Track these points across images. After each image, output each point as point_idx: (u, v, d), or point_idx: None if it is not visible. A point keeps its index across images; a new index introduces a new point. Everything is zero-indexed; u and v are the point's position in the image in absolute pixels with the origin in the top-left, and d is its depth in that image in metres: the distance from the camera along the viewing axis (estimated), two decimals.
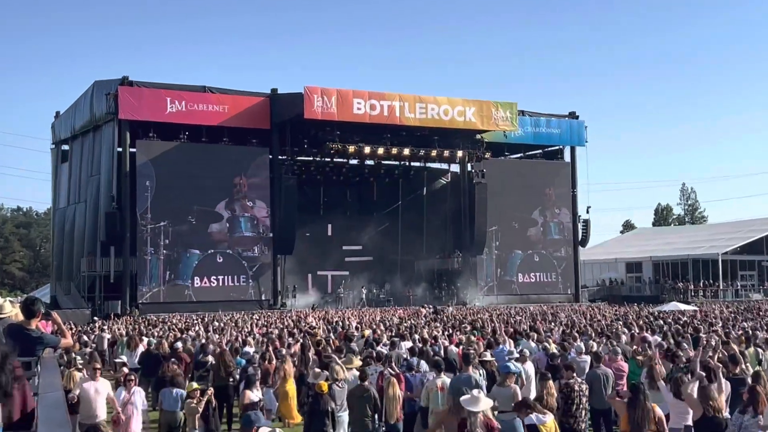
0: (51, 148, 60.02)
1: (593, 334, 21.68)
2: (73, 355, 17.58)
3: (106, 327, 31.92)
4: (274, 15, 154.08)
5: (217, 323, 31.64)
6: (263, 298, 50.56)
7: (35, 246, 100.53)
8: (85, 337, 25.57)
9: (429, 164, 60.87)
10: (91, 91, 52.11)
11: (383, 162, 58.24)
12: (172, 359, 17.39)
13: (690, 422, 11.47)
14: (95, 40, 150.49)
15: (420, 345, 18.05)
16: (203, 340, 21.77)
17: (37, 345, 7.82)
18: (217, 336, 23.86)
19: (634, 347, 17.51)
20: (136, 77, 48.57)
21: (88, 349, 20.17)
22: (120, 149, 48.10)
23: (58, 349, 9.70)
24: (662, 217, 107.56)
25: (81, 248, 51.97)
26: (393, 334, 22.90)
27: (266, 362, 16.96)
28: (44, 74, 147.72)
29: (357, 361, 15.20)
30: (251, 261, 50.67)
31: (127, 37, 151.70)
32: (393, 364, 15.09)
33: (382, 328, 25.84)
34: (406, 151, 52.86)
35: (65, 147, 57.85)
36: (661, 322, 27.35)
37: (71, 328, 29.25)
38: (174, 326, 30.38)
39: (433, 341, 19.51)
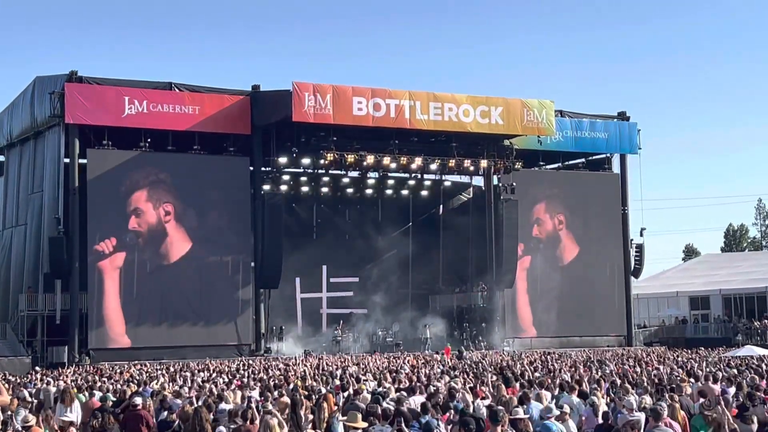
0: None
1: (650, 386, 21.59)
2: (10, 413, 17.52)
3: (51, 379, 31.85)
4: None
5: (186, 373, 31.57)
6: (242, 342, 50.52)
7: None
8: (25, 392, 25.47)
9: (446, 177, 60.87)
10: (32, 89, 52.31)
11: (390, 174, 58.28)
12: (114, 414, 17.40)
13: None
14: (37, 27, 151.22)
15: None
16: (169, 394, 21.73)
17: None
18: (186, 389, 23.82)
19: (701, 400, 17.50)
20: (87, 72, 48.87)
21: (29, 416, 20.04)
22: (67, 160, 48.26)
23: None
24: (734, 240, 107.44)
25: (19, 282, 51.98)
26: (402, 386, 22.83)
27: (248, 422, 16.91)
28: None
29: (361, 421, 15.14)
30: (227, 297, 50.65)
31: (75, 23, 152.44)
32: (403, 425, 15.03)
33: (390, 378, 25.75)
34: (418, 161, 52.91)
35: (0, 158, 58.02)
36: (735, 370, 27.23)
37: (7, 382, 29.18)
38: (133, 377, 30.33)
39: (449, 395, 19.45)
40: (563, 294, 58.05)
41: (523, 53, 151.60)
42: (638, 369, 29.57)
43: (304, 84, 48.51)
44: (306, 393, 20.61)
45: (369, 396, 19.95)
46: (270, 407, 16.54)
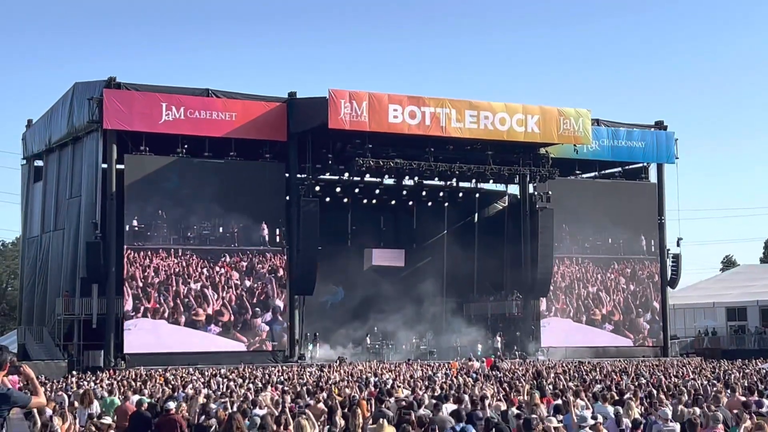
0: (21, 164, 60.79)
1: (685, 397, 21.45)
2: (50, 415, 17.66)
3: (85, 383, 32.08)
4: (292, 3, 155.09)
5: (220, 379, 31.66)
6: (276, 348, 50.60)
7: (0, 283, 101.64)
8: (63, 395, 25.71)
9: (482, 185, 60.76)
10: (71, 95, 52.77)
11: (425, 182, 58.25)
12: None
13: None
14: (76, 33, 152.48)
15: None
16: (203, 400, 21.79)
17: (2, 404, 7.86)
18: (219, 394, 23.89)
19: (735, 411, 17.39)
20: (125, 78, 49.19)
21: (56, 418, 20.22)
22: (105, 165, 48.63)
23: (28, 409, 9.74)
24: None
25: (56, 286, 52.37)
26: (436, 393, 22.80)
27: (281, 427, 16.93)
28: (13, 74, 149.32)
29: (389, 428, 15.13)
30: (262, 304, 50.79)
31: (114, 30, 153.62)
32: None
33: (423, 385, 25.72)
34: (454, 169, 52.85)
35: (39, 163, 58.56)
36: None
37: (44, 384, 29.42)
38: (167, 382, 30.45)
39: (480, 402, 19.41)
40: (598, 304, 57.73)
41: (560, 62, 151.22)
42: (674, 379, 29.37)
43: (340, 91, 48.60)
44: (341, 399, 20.62)
45: (401, 403, 19.96)
46: (305, 410, 16.53)
